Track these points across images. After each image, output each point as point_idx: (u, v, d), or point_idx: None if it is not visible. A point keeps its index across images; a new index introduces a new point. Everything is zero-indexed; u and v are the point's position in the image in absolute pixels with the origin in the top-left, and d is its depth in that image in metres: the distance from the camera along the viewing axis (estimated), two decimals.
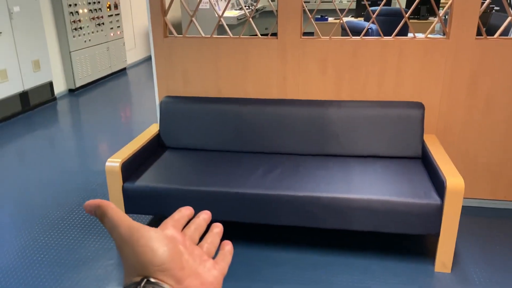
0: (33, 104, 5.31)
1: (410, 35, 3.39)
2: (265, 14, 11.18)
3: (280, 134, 2.78)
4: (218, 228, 0.55)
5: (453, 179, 2.13)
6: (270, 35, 2.86)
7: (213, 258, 0.49)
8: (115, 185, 2.42)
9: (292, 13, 2.70)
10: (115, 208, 0.46)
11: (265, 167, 2.58)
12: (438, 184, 2.24)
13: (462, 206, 2.83)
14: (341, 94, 2.83)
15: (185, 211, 0.52)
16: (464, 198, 2.88)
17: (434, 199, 2.19)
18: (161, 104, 2.91)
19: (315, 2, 11.35)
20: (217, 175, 2.50)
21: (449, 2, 2.56)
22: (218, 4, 8.78)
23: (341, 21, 2.72)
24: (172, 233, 0.45)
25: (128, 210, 2.48)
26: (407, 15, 2.67)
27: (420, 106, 2.66)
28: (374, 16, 2.68)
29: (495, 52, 2.57)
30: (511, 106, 2.66)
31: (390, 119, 2.67)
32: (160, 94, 3.03)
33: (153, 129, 2.93)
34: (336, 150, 2.73)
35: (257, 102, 2.83)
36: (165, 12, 2.87)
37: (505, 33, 4.18)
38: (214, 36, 2.85)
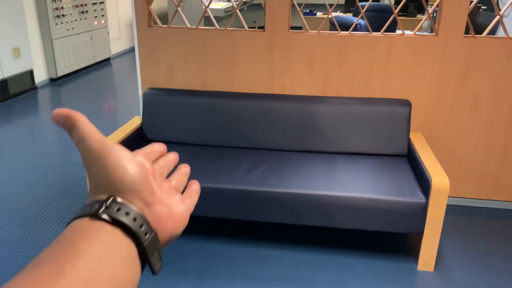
0: (13, 92, 5.15)
1: (398, 31, 3.38)
2: (254, 7, 11.09)
3: (266, 129, 2.73)
4: (186, 168, 0.53)
5: (438, 178, 2.11)
6: (258, 28, 2.79)
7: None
8: None
9: (280, 6, 2.64)
10: (86, 121, 0.41)
11: (249, 163, 2.53)
12: (423, 183, 2.22)
13: (446, 205, 2.84)
14: (328, 90, 2.79)
15: (158, 147, 0.50)
16: (448, 196, 2.89)
17: (419, 198, 2.17)
18: (144, 96, 2.83)
19: None
20: (201, 170, 2.44)
21: (438, 0, 2.53)
22: None
23: (330, 16, 2.67)
24: (142, 160, 0.42)
25: None
26: (396, 11, 2.64)
27: (407, 104, 2.64)
28: (363, 11, 2.64)
29: (483, 51, 2.56)
30: (497, 106, 2.65)
31: (377, 116, 2.64)
32: (144, 85, 2.95)
33: (135, 121, 2.85)
34: (321, 147, 2.70)
35: (243, 96, 2.77)
36: (149, 1, 2.78)
37: (492, 32, 4.19)
38: (200, 27, 2.78)
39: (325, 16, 7.44)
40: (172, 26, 2.81)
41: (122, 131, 2.66)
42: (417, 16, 6.98)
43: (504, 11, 2.50)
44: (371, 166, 2.51)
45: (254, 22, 11.55)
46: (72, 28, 6.31)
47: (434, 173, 2.15)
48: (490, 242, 2.53)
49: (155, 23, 2.86)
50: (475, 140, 2.75)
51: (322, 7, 10.45)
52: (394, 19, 5.34)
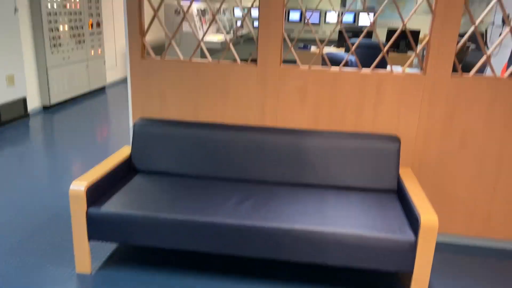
0: (4, 120, 5.13)
1: (389, 68, 3.43)
2: (250, 41, 11.31)
3: (256, 161, 2.72)
4: None
5: (427, 216, 2.10)
6: (251, 61, 2.83)
7: None
8: (79, 209, 2.30)
9: (273, 41, 2.68)
10: None
11: (238, 196, 2.50)
12: (412, 220, 2.20)
13: (436, 242, 2.81)
14: (319, 124, 2.80)
15: None
16: (438, 233, 2.86)
17: (408, 235, 2.14)
18: (134, 125, 2.83)
19: (324, 32, 11.56)
20: (189, 202, 2.41)
21: (426, 39, 2.59)
22: (202, 28, 8.83)
23: (321, 51, 2.72)
24: None
25: (92, 237, 2.35)
26: (385, 49, 2.69)
27: (396, 140, 2.65)
28: (353, 48, 2.69)
29: (470, 89, 2.60)
30: (485, 143, 2.67)
31: (367, 151, 2.64)
32: (135, 115, 2.95)
33: (125, 151, 2.83)
34: (311, 180, 2.68)
35: (234, 128, 2.77)
36: (143, 33, 2.82)
37: (481, 70, 4.29)
38: (193, 60, 2.81)
39: (318, 50, 7.60)
40: (165, 58, 2.84)
41: (110, 161, 2.64)
42: (408, 52, 7.14)
43: (492, 51, 2.56)
44: (361, 201, 2.49)
45: (250, 54, 11.75)
46: (68, 57, 6.37)
47: (423, 211, 2.14)
48: (481, 282, 2.49)
49: (149, 54, 2.89)
50: (465, 177, 2.75)
51: (315, 41, 10.69)
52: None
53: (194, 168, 2.77)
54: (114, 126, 5.40)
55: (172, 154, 2.78)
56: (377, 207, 2.43)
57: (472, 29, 2.59)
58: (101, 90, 7.52)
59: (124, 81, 8.56)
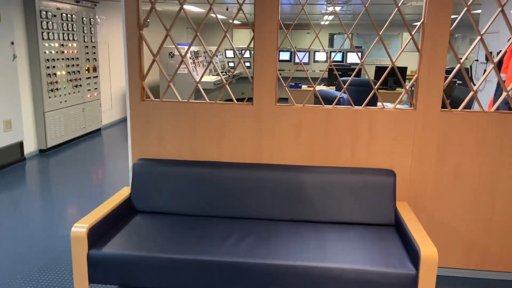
0: (1, 164, 5.15)
1: (379, 104, 3.53)
2: (242, 80, 11.56)
3: (254, 199, 2.76)
4: None
5: (427, 248, 2.13)
6: (246, 101, 2.92)
7: None
8: (80, 252, 2.30)
9: (267, 80, 2.79)
10: None
11: (238, 234, 2.52)
12: (412, 253, 2.22)
13: (436, 275, 2.81)
14: (314, 160, 2.86)
15: None
16: (437, 266, 2.87)
17: (409, 269, 2.16)
18: (134, 166, 2.87)
19: (289, 70, 11.85)
20: (188, 242, 2.42)
21: (415, 76, 2.71)
22: (196, 70, 9.05)
23: (314, 90, 2.82)
24: None
25: (93, 280, 2.34)
26: (376, 87, 2.80)
27: (391, 174, 2.71)
28: (345, 86, 2.80)
29: (460, 123, 2.69)
30: (479, 176, 2.74)
31: (363, 186, 2.69)
32: (134, 156, 3.00)
33: (124, 192, 2.86)
34: (309, 216, 2.71)
35: (231, 166, 2.82)
36: (143, 77, 2.92)
37: (469, 105, 4.43)
38: (190, 101, 2.89)
39: (310, 88, 7.78)
40: (164, 100, 2.93)
41: (110, 202, 2.66)
42: (397, 89, 7.34)
43: (478, 87, 2.67)
44: (360, 236, 2.52)
45: (243, 93, 11.99)
46: (65, 101, 6.47)
47: (422, 244, 2.17)
48: None
49: (147, 97, 2.98)
50: (460, 210, 2.79)
51: (306, 80, 10.96)
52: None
53: (193, 207, 2.79)
54: (110, 167, 5.42)
55: (171, 193, 2.81)
56: (376, 241, 2.45)
57: (458, 66, 2.72)
58: (97, 132, 7.58)
59: (119, 122, 8.65)
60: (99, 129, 7.67)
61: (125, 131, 7.84)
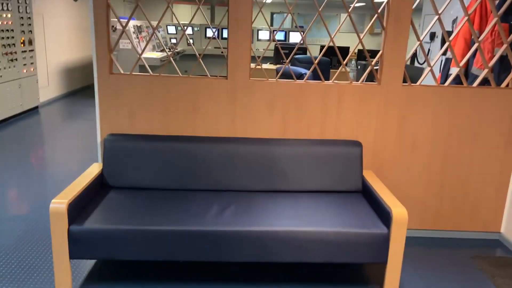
0: None
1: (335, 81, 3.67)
2: (185, 57, 11.36)
3: (230, 172, 2.82)
4: None
5: (398, 210, 2.34)
6: (219, 77, 2.94)
7: None
8: (60, 227, 2.24)
9: (242, 55, 2.83)
10: None
11: (218, 205, 2.58)
12: (383, 215, 2.43)
13: None
14: (287, 134, 2.97)
15: None
16: None
17: (381, 229, 2.36)
18: (104, 142, 2.80)
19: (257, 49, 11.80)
20: (170, 214, 2.44)
21: (380, 53, 2.89)
22: (140, 45, 8.74)
23: (287, 65, 2.90)
24: None
25: (73, 255, 2.29)
26: (345, 62, 2.95)
27: (358, 144, 2.90)
28: (316, 62, 2.91)
29: (418, 97, 2.93)
30: (432, 144, 3.01)
31: (333, 157, 2.86)
32: (103, 132, 2.92)
33: (95, 169, 2.79)
34: (284, 186, 2.83)
35: (206, 140, 2.85)
36: (110, 49, 2.83)
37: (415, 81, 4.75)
38: (162, 74, 2.86)
39: (258, 67, 7.84)
40: (134, 73, 2.86)
41: (83, 179, 2.59)
42: (338, 67, 7.70)
43: (434, 64, 2.92)
44: (333, 202, 2.69)
45: (186, 71, 11.81)
46: (0, 76, 6.01)
47: (393, 205, 2.37)
48: (438, 268, 2.79)
49: (115, 70, 2.90)
50: (416, 176, 3.06)
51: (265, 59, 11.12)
52: (329, 70, 5.83)
53: (169, 181, 2.80)
54: (55, 146, 5.17)
55: (146, 168, 2.79)
56: (348, 206, 2.63)
57: (417, 45, 2.94)
58: (34, 110, 7.14)
59: (57, 100, 8.18)
60: (36, 107, 7.22)
61: (66, 108, 7.45)
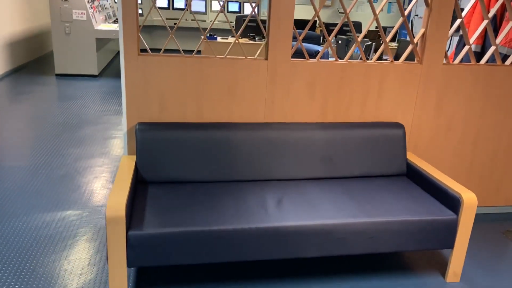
0: None
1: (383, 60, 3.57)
2: (145, 28, 10.67)
3: (274, 159, 2.64)
4: None
5: (467, 195, 2.31)
6: (257, 57, 2.70)
7: None
8: (119, 234, 1.96)
9: (284, 34, 2.60)
10: None
11: (272, 197, 2.40)
12: (450, 200, 2.39)
13: None
14: (326, 117, 2.83)
15: None
16: None
17: (450, 214, 2.33)
18: (136, 132, 2.48)
19: (186, 20, 11.27)
20: (228, 211, 2.23)
21: (422, 31, 2.80)
22: (94, 16, 8.01)
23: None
24: None
25: (132, 263, 2.03)
26: (386, 39, 2.82)
27: (400, 126, 2.83)
28: (330, 38, 2.76)
29: (456, 76, 2.90)
30: (465, 123, 3.01)
31: (376, 140, 2.76)
32: (130, 120, 2.59)
33: (127, 163, 2.48)
34: (331, 173, 2.71)
35: (247, 126, 2.63)
36: (138, 27, 2.47)
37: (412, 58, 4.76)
38: (196, 56, 2.56)
39: (226, 40, 7.50)
40: (165, 54, 2.54)
41: (124, 177, 2.28)
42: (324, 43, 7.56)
43: (482, 44, 2.88)
44: (384, 187, 2.61)
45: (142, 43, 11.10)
46: None
47: (461, 191, 2.34)
48: (472, 245, 2.84)
49: (144, 50, 2.55)
50: (449, 157, 3.07)
51: (216, 31, 10.69)
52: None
53: (209, 173, 2.56)
54: (12, 131, 4.62)
55: (183, 160, 2.53)
56: (402, 191, 2.57)
57: (458, 22, 2.88)
58: None
59: (2, 78, 7.31)
60: None
61: (14, 88, 6.67)
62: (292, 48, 2.85)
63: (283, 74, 2.68)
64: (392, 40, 7.40)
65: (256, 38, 7.73)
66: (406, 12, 2.82)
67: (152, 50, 11.33)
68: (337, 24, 7.68)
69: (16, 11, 8.07)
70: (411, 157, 2.86)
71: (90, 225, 2.83)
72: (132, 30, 2.44)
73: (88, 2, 7.84)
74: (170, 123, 2.57)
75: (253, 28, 7.81)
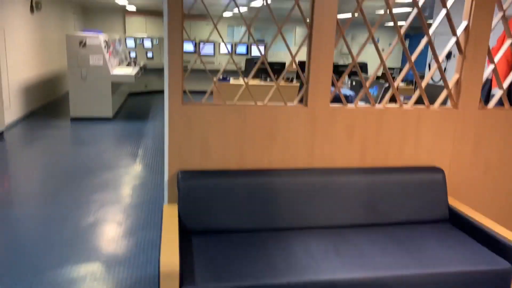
0: None
1: (419, 106, 3.59)
2: (145, 72, 10.87)
3: (316, 206, 2.60)
4: None
5: None
6: (298, 103, 2.72)
7: None
8: None
9: (323, 80, 2.63)
10: None
11: (317, 245, 2.35)
12: (501, 248, 2.33)
13: None
14: (365, 161, 2.81)
15: None
16: None
17: (503, 264, 2.27)
18: (179, 180, 2.46)
19: (196, 62, 11.47)
20: (275, 262, 2.17)
21: (456, 77, 2.84)
22: (110, 61, 8.16)
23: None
24: None
25: None
26: (367, 84, 2.85)
27: (439, 170, 2.81)
28: (367, 84, 2.78)
29: (490, 120, 2.91)
30: (503, 165, 3.00)
31: (417, 185, 2.74)
32: (172, 168, 2.57)
33: (170, 212, 2.44)
34: (373, 219, 2.66)
35: (288, 173, 2.61)
36: (183, 78, 2.51)
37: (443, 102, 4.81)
38: (237, 103, 2.58)
39: (238, 82, 7.59)
40: (207, 103, 2.56)
41: (170, 228, 2.23)
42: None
43: (507, 88, 2.92)
44: (429, 235, 2.55)
45: (146, 86, 11.30)
46: None
47: None
48: None
49: (187, 99, 2.57)
50: (488, 199, 3.03)
51: (225, 73, 10.83)
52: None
53: (251, 221, 2.52)
54: (22, 177, 4.59)
55: (225, 209, 2.49)
56: (448, 239, 2.52)
57: (492, 66, 2.92)
58: None
59: (18, 123, 7.35)
60: (1, 133, 6.42)
61: (30, 133, 6.69)
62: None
63: (322, 120, 2.69)
64: (402, 80, 7.51)
65: (268, 79, 7.85)
66: (440, 58, 2.86)
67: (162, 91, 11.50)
68: (340, 65, 7.80)
69: (32, 57, 8.24)
70: (452, 201, 2.82)
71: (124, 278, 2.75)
72: (177, 80, 2.47)
73: (104, 47, 8.02)
74: (210, 171, 2.55)
75: (262, 69, 7.94)
